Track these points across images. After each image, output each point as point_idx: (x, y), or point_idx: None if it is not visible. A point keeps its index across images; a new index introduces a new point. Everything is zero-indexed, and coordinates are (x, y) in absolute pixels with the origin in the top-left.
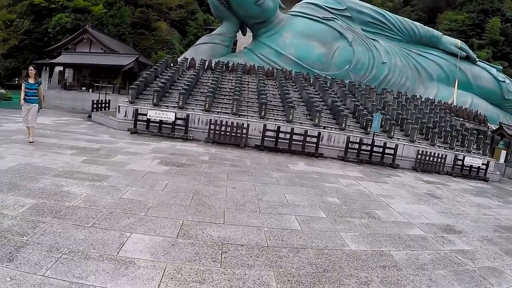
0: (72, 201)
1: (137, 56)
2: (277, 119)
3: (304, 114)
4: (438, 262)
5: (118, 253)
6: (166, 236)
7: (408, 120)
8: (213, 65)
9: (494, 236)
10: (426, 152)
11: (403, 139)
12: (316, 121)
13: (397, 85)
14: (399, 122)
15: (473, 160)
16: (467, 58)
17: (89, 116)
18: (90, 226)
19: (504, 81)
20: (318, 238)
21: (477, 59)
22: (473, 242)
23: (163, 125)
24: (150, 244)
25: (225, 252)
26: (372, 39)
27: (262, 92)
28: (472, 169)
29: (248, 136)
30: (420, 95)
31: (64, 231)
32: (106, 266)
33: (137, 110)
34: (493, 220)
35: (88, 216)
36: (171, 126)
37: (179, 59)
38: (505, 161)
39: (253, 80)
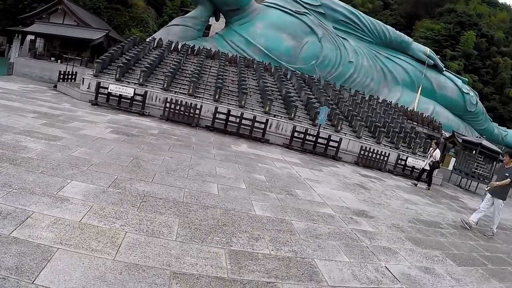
0: (28, 154)
1: (107, 31)
2: (230, 104)
3: (257, 101)
4: (334, 235)
5: (57, 192)
6: (99, 185)
7: (357, 117)
8: (179, 47)
9: (406, 225)
10: (370, 148)
11: (350, 135)
12: (267, 108)
13: (362, 85)
14: (349, 118)
15: (416, 162)
16: (435, 67)
17: (55, 86)
18: (39, 172)
19: (468, 93)
20: (229, 202)
21: (444, 69)
22: (380, 226)
23: (122, 100)
24: (85, 189)
25: (145, 201)
26: (342, 37)
27: (220, 77)
28: (415, 170)
29: (200, 117)
30: (377, 96)
31: (17, 174)
32: (46, 200)
33: (99, 83)
34: (413, 213)
35: (39, 165)
36: (129, 101)
37: (148, 39)
38: (453, 168)
39: (216, 65)
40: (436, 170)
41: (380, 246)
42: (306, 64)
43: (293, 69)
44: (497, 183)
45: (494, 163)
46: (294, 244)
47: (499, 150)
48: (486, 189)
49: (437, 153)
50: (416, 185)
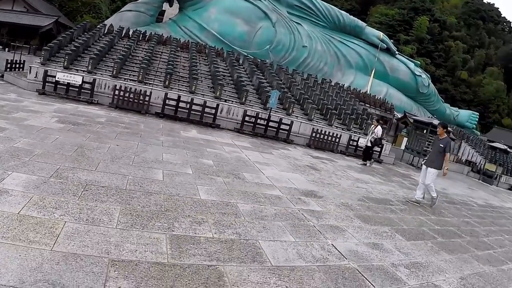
0: None
1: (57, 17)
2: (181, 90)
3: (209, 87)
4: (281, 216)
5: None
6: (41, 176)
7: (309, 100)
8: (130, 33)
9: (355, 203)
10: (321, 130)
11: (302, 117)
12: (218, 93)
13: (315, 69)
14: (301, 101)
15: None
16: (387, 51)
17: (2, 76)
18: None
19: (420, 76)
20: (174, 188)
21: (396, 52)
22: (329, 206)
23: (70, 88)
24: (26, 180)
25: (86, 190)
26: (296, 22)
27: (171, 63)
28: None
29: (150, 104)
30: (330, 79)
31: None
32: None
33: (46, 71)
34: (363, 192)
35: None
36: (78, 90)
37: (98, 25)
38: (405, 147)
39: (167, 51)
40: (380, 146)
41: (328, 225)
42: (260, 49)
43: (247, 54)
44: (446, 168)
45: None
46: (239, 226)
47: (450, 129)
48: (422, 162)
49: (378, 130)
50: (365, 164)
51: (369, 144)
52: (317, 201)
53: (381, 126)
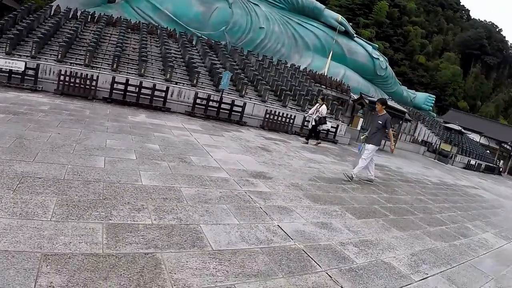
0: None
1: None
2: (130, 73)
3: (159, 69)
4: (226, 199)
5: None
6: None
7: (262, 81)
8: (78, 14)
9: (306, 183)
10: (275, 112)
11: (255, 99)
12: (168, 76)
13: (273, 51)
14: (255, 83)
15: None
16: (346, 33)
17: None
18: None
19: (378, 58)
20: (115, 175)
21: (355, 35)
22: (278, 186)
23: (12, 75)
24: None
25: (22, 182)
26: (253, 3)
27: (120, 45)
28: (322, 131)
29: (97, 89)
30: (286, 61)
31: None
32: None
33: None
34: (315, 172)
35: None
36: (20, 77)
37: (45, 7)
38: (360, 128)
39: (117, 33)
40: (325, 126)
41: (275, 206)
42: (216, 31)
43: (202, 36)
44: (393, 145)
45: (401, 122)
46: (180, 211)
47: (405, 109)
48: (361, 138)
49: (323, 109)
50: (307, 143)
51: (313, 123)
52: (266, 183)
53: (326, 105)
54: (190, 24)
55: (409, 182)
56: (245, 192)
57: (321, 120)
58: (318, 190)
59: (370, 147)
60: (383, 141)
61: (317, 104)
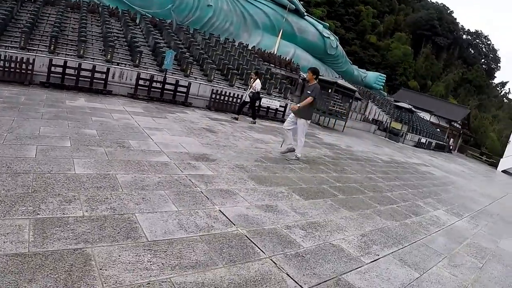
0: None
1: None
2: (69, 55)
3: (100, 50)
4: (165, 185)
5: None
6: None
7: (208, 60)
8: None
9: (251, 164)
10: (221, 91)
11: (201, 79)
12: (109, 56)
13: (221, 29)
14: (201, 62)
15: (271, 102)
16: (296, 11)
17: None
18: None
19: (329, 37)
20: (47, 164)
21: (305, 14)
22: (221, 169)
23: None
24: None
25: None
26: None
27: (57, 25)
28: (270, 110)
29: (34, 73)
30: (233, 39)
31: None
32: None
33: None
34: (262, 152)
35: None
36: None
37: None
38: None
39: (56, 12)
40: (258, 101)
41: (217, 189)
42: (162, 9)
43: (147, 14)
44: (298, 105)
45: (351, 100)
46: (115, 200)
47: (355, 88)
48: (289, 108)
49: (257, 84)
50: (236, 119)
51: (247, 99)
52: (209, 165)
53: (260, 80)
54: (134, 2)
55: (359, 160)
56: (186, 176)
57: (255, 96)
58: (264, 171)
59: (300, 122)
60: (334, 120)
61: (251, 79)
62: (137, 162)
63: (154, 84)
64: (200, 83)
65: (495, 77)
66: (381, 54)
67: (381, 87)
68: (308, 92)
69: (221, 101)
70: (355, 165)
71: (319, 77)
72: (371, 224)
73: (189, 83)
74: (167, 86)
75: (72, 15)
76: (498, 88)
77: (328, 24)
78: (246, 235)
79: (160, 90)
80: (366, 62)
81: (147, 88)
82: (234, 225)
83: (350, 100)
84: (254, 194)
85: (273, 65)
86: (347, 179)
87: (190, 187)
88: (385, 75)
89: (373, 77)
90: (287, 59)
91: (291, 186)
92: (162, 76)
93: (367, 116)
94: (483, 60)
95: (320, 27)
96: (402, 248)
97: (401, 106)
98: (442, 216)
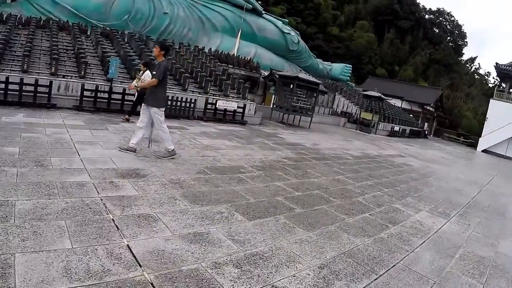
0: None
1: None
2: (14, 70)
3: (47, 63)
4: (69, 212)
5: None
6: None
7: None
8: None
9: (191, 178)
10: (173, 97)
11: None
12: (53, 69)
13: (180, 35)
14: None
15: (227, 104)
16: (254, 11)
17: None
18: None
19: (289, 33)
20: None
21: (263, 12)
22: (150, 186)
23: None
24: None
25: None
26: None
27: (2, 41)
28: (228, 113)
29: None
30: (188, 43)
31: None
32: None
33: None
34: (209, 161)
35: None
36: None
37: None
38: (272, 105)
39: (3, 29)
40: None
41: (135, 215)
42: (119, 20)
43: (106, 27)
44: (136, 84)
45: (315, 94)
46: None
47: (318, 81)
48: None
49: (146, 76)
50: (128, 120)
51: (138, 94)
52: (136, 183)
53: (151, 72)
54: (91, 16)
55: (326, 159)
56: (101, 200)
57: (143, 91)
58: (204, 185)
59: (152, 111)
60: (299, 117)
61: (141, 72)
62: (49, 184)
63: (101, 95)
64: None
65: (463, 53)
66: (345, 45)
67: (348, 78)
68: (154, 72)
69: (174, 107)
70: (320, 166)
71: (279, 72)
72: (335, 246)
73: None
74: (114, 96)
75: (22, 31)
76: (467, 65)
77: (287, 20)
78: (151, 283)
79: (106, 101)
80: (330, 55)
81: (93, 99)
82: (140, 266)
83: (315, 94)
84: (182, 219)
85: (231, 66)
86: (309, 186)
87: (100, 214)
88: (351, 66)
89: (339, 68)
90: (245, 58)
91: (235, 202)
92: (107, 85)
93: (335, 109)
94: (449, 38)
95: (279, 24)
96: (377, 278)
97: (370, 94)
98: (426, 220)
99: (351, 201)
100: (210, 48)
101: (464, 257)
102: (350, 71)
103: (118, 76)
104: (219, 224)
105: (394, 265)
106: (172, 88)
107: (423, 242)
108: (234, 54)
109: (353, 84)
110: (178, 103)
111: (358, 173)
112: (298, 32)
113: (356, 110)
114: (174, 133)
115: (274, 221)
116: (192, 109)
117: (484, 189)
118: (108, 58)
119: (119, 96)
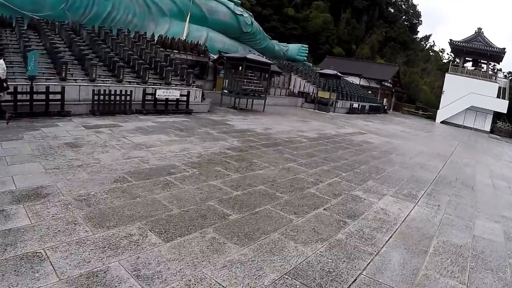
0: None
1: None
2: None
3: None
4: None
5: None
6: None
7: (89, 57)
8: None
9: (104, 190)
10: (105, 91)
11: (83, 79)
12: None
13: (124, 22)
14: (83, 60)
15: (168, 93)
16: None
17: None
18: None
19: (242, 15)
20: None
21: None
22: (49, 210)
23: None
24: None
25: None
26: None
27: None
28: (170, 103)
29: None
30: (128, 30)
31: None
32: None
33: None
34: (134, 163)
35: None
36: None
37: None
38: (222, 90)
39: None
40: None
41: (18, 257)
42: (55, 10)
43: (41, 18)
44: None
45: (267, 75)
46: None
47: (269, 61)
48: None
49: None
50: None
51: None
52: (33, 207)
53: (4, 60)
54: (25, 7)
55: (277, 145)
56: None
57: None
58: (118, 198)
59: None
60: (251, 100)
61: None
62: None
63: (20, 96)
64: (80, 85)
65: (418, 31)
66: (302, 26)
67: (305, 58)
68: None
69: (107, 102)
70: (270, 154)
71: (227, 54)
72: (278, 264)
73: (63, 88)
74: (37, 96)
75: None
76: (422, 42)
77: (239, 1)
78: None
79: (28, 102)
80: (287, 36)
81: (12, 103)
82: None
83: (266, 75)
84: (78, 253)
85: (176, 51)
86: (253, 180)
87: None
88: (307, 46)
89: (295, 49)
90: (192, 42)
91: (153, 217)
92: (27, 84)
93: (292, 90)
94: (404, 17)
95: (231, 5)
96: None
97: (326, 73)
98: (391, 207)
99: (301, 195)
100: (153, 34)
101: (440, 250)
102: (307, 51)
103: (43, 73)
104: (125, 254)
105: (355, 280)
106: (106, 80)
107: (389, 238)
108: (183, 39)
109: (311, 64)
110: (112, 97)
111: (312, 158)
112: (251, 14)
113: (314, 90)
114: (101, 133)
115: (199, 238)
116: (128, 102)
117: (448, 161)
118: (30, 51)
119: (43, 96)
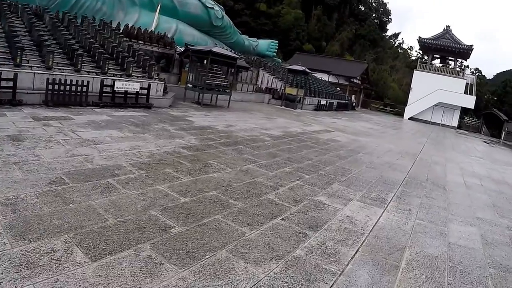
0: None
1: None
2: None
3: None
4: None
5: None
6: None
7: (46, 43)
8: None
9: (33, 194)
10: (61, 80)
11: (39, 67)
12: None
13: (92, 10)
14: (41, 47)
15: (128, 85)
16: None
17: None
18: None
19: (213, 8)
20: None
21: None
22: None
23: None
24: None
25: None
26: None
27: None
28: (130, 96)
29: None
30: (93, 17)
31: None
32: None
33: None
34: (76, 162)
35: None
36: None
37: None
38: (186, 84)
39: None
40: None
41: None
42: None
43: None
44: None
45: (233, 70)
46: None
47: (236, 55)
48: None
49: None
50: None
51: None
52: None
53: None
54: None
55: (237, 144)
56: None
57: None
58: (49, 204)
59: None
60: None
61: None
62: None
63: None
64: (35, 73)
65: (388, 29)
66: (273, 21)
67: (274, 54)
68: None
69: (62, 92)
70: (228, 154)
71: (193, 47)
72: None
73: (16, 75)
74: None
75: None
76: (391, 40)
77: None
78: None
79: None
80: (258, 31)
81: None
82: None
83: (233, 70)
84: None
85: (142, 42)
86: (205, 185)
87: None
88: (277, 41)
89: (265, 44)
90: (159, 33)
91: (84, 228)
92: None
93: (259, 86)
94: (374, 15)
95: None
96: None
97: (295, 69)
98: (358, 214)
99: (258, 202)
100: (119, 23)
101: (413, 264)
102: (277, 47)
103: None
104: (42, 276)
105: None
106: (63, 69)
107: (355, 253)
108: (152, 30)
109: (280, 60)
110: (68, 87)
111: (274, 158)
112: (222, 7)
113: (281, 86)
114: (50, 126)
115: (132, 257)
116: (85, 94)
117: (418, 159)
118: None
119: None
